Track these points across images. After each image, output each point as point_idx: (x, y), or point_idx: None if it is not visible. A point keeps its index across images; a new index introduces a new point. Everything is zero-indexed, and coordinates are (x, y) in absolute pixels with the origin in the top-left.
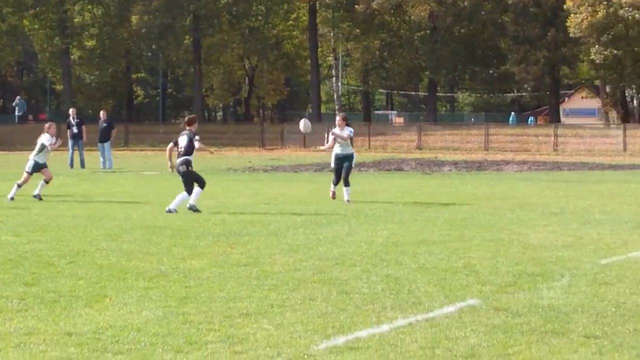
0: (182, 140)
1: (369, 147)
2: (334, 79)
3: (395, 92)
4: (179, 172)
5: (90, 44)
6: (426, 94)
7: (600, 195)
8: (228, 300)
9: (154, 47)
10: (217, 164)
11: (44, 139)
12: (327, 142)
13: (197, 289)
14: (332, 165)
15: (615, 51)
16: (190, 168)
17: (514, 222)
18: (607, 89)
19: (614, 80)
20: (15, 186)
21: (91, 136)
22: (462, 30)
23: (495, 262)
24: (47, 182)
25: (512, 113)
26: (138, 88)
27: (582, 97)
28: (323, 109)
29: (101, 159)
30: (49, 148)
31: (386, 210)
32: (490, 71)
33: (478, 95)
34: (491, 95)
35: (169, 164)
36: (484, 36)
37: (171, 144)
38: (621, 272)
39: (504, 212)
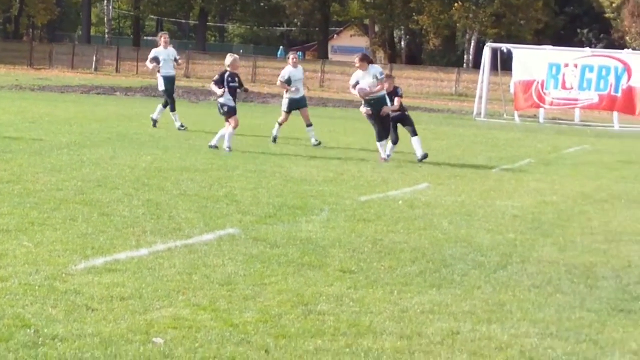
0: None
1: (137, 73)
2: (105, 1)
3: (166, 19)
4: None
5: None
6: (197, 22)
7: (364, 132)
8: None
9: None
10: None
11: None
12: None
13: None
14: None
15: None
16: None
17: (278, 155)
18: (376, 28)
19: (384, 20)
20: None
21: None
22: None
23: (257, 193)
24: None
25: (281, 47)
26: None
27: (351, 36)
28: (93, 32)
29: None
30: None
31: (151, 135)
32: (262, 4)
33: (248, 27)
34: (261, 27)
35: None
36: None
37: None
38: (380, 209)
39: (267, 145)
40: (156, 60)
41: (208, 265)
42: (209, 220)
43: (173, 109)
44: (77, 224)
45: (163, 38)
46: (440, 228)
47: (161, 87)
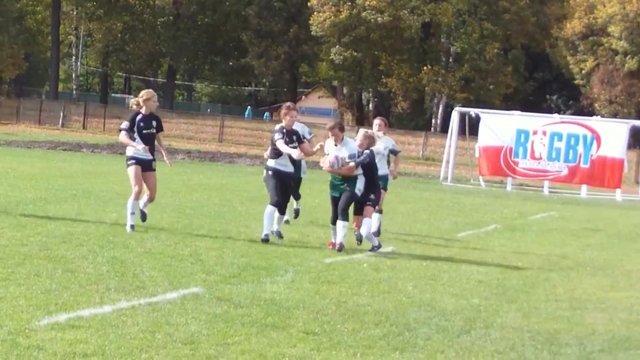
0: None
1: (104, 130)
2: (73, 58)
3: (134, 76)
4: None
5: None
6: (165, 80)
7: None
8: None
9: None
10: None
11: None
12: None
13: None
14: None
15: (355, 53)
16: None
17: (243, 215)
18: (345, 90)
19: (352, 82)
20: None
21: None
22: (206, 20)
23: (222, 253)
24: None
25: (249, 107)
26: None
27: (319, 97)
28: (61, 88)
29: None
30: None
31: (117, 192)
32: (230, 63)
33: (216, 86)
34: (229, 87)
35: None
36: (226, 27)
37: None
38: (344, 271)
39: (233, 205)
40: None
41: (171, 324)
42: (173, 278)
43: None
44: (41, 280)
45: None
46: (404, 291)
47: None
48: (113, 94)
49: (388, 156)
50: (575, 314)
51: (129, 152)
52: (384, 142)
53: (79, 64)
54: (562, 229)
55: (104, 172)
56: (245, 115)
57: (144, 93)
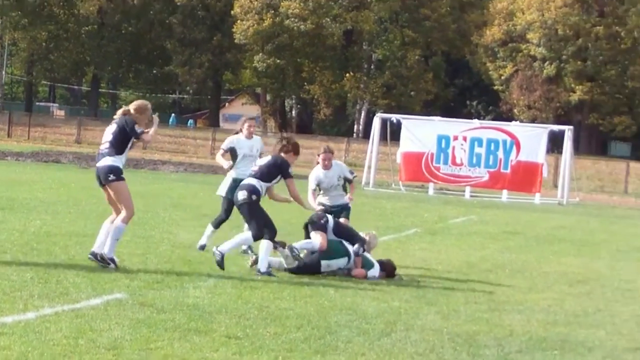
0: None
1: (28, 138)
2: None
3: (58, 85)
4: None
5: None
6: (89, 89)
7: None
8: None
9: None
10: None
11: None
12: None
13: None
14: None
15: (278, 60)
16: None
17: (166, 221)
18: (268, 97)
19: (275, 89)
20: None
21: None
22: (130, 28)
23: (145, 259)
24: None
25: (173, 114)
26: None
27: (243, 104)
28: None
29: None
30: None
31: (41, 201)
32: (154, 71)
33: (140, 94)
34: (153, 95)
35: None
36: (150, 35)
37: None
38: (266, 276)
39: (157, 211)
40: (232, 152)
41: (94, 330)
42: (97, 284)
43: (217, 226)
44: None
45: (247, 124)
46: (326, 295)
47: (223, 191)
48: (38, 103)
49: (344, 185)
50: (494, 316)
51: (119, 162)
52: (336, 172)
53: (3, 72)
54: (481, 233)
55: (28, 180)
56: (169, 123)
57: (137, 105)
